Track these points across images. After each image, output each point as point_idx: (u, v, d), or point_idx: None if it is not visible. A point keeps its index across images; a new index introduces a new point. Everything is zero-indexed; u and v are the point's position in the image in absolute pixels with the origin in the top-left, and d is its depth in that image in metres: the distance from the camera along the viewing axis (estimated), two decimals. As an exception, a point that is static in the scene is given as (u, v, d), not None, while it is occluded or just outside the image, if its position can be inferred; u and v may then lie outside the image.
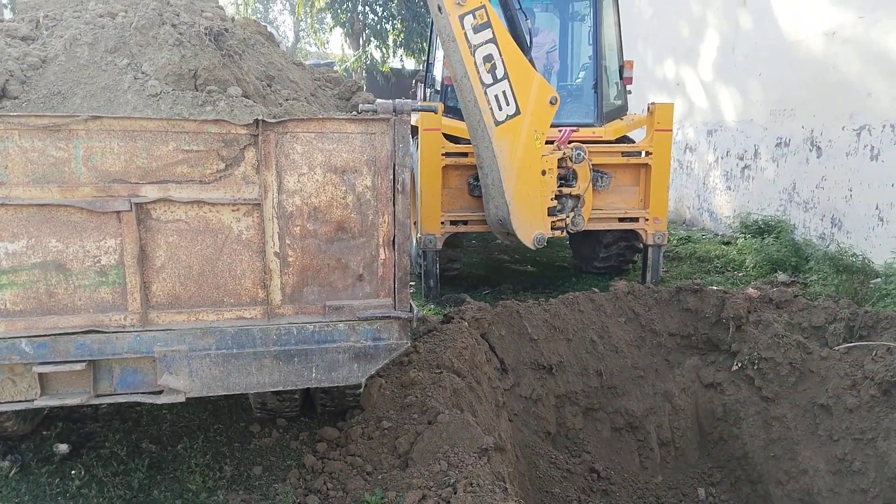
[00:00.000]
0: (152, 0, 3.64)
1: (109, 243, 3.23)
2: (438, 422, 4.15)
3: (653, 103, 7.53)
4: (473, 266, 9.27)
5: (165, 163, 3.22)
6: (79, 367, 3.25)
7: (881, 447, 5.07)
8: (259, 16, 42.51)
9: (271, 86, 3.91)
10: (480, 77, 5.69)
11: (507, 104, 5.85)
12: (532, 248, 6.47)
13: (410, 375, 4.73)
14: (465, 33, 5.56)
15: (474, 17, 5.56)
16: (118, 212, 3.19)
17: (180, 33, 3.46)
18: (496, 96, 5.79)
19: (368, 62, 23.50)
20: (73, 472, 4.02)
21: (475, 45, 5.61)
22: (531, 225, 6.32)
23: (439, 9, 5.53)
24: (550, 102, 6.11)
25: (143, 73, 3.48)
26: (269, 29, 5.17)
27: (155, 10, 3.57)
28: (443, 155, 7.02)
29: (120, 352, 3.31)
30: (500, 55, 5.72)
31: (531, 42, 6.56)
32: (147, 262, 3.29)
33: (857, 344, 5.56)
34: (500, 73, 5.75)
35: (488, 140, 5.88)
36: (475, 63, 5.65)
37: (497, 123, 5.84)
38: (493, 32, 5.65)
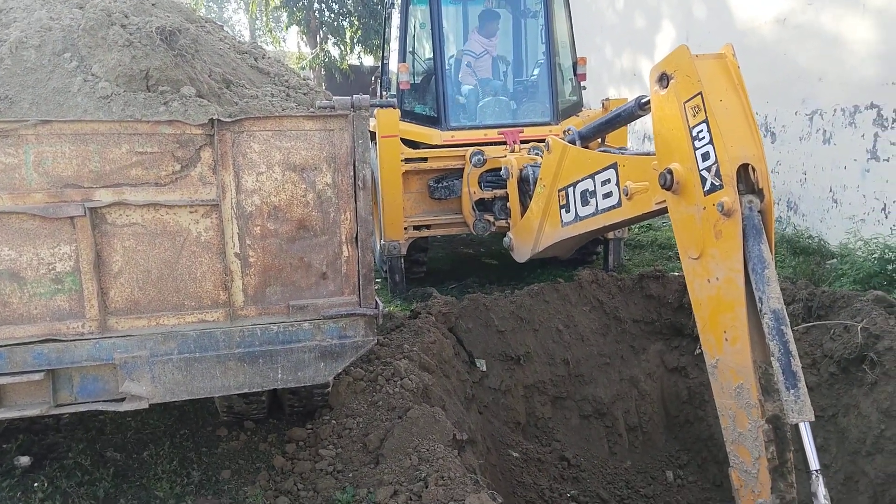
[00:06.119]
0: (101, 1, 3.57)
1: (64, 250, 3.16)
2: (408, 417, 4.14)
3: (607, 99, 7.58)
4: (439, 261, 9.27)
5: (119, 166, 3.16)
6: (37, 377, 3.19)
7: (841, 423, 5.19)
8: (214, 15, 41.92)
9: (230, 87, 3.85)
10: None
11: None
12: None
13: (378, 371, 4.72)
14: None
15: None
16: (72, 217, 3.12)
17: (130, 34, 3.40)
18: None
19: (326, 60, 23.29)
20: (35, 484, 3.92)
21: None
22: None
23: None
24: None
25: (92, 74, 3.41)
26: (226, 29, 5.08)
27: (103, 11, 3.49)
28: (402, 161, 6.98)
29: (79, 360, 3.25)
30: None
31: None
32: (104, 268, 3.23)
33: (816, 323, 5.68)
34: None
35: None
36: None
37: None
38: None
